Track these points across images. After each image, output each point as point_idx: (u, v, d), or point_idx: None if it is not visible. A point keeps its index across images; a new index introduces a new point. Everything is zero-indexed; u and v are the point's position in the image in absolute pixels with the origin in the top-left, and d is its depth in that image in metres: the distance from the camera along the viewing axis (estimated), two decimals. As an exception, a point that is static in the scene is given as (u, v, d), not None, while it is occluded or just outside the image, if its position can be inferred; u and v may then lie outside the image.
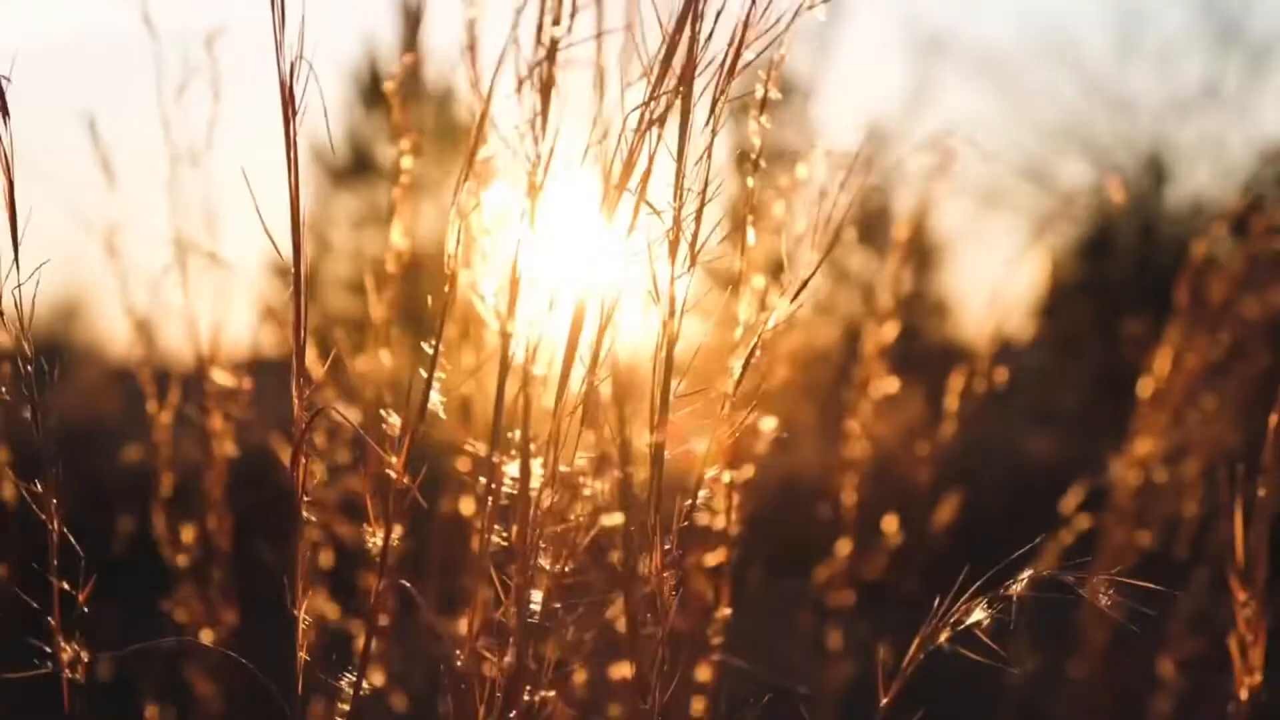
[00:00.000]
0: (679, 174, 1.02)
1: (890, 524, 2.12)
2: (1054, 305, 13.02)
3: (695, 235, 1.03)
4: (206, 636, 1.85)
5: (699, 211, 1.03)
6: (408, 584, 1.14)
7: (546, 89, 1.07)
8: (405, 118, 1.62)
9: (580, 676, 1.48)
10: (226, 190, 1.82)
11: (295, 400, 1.04)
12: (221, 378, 1.82)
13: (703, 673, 1.51)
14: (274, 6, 1.01)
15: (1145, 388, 2.33)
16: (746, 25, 1.01)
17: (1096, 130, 13.77)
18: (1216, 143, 13.30)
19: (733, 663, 1.45)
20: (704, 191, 1.03)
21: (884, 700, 1.01)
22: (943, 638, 0.97)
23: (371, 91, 14.62)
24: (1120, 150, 13.65)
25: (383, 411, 1.06)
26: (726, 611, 1.42)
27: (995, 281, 2.37)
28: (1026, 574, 0.94)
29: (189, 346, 1.85)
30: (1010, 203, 14.10)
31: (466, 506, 1.75)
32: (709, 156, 1.03)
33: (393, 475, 1.04)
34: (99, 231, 1.87)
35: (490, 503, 1.05)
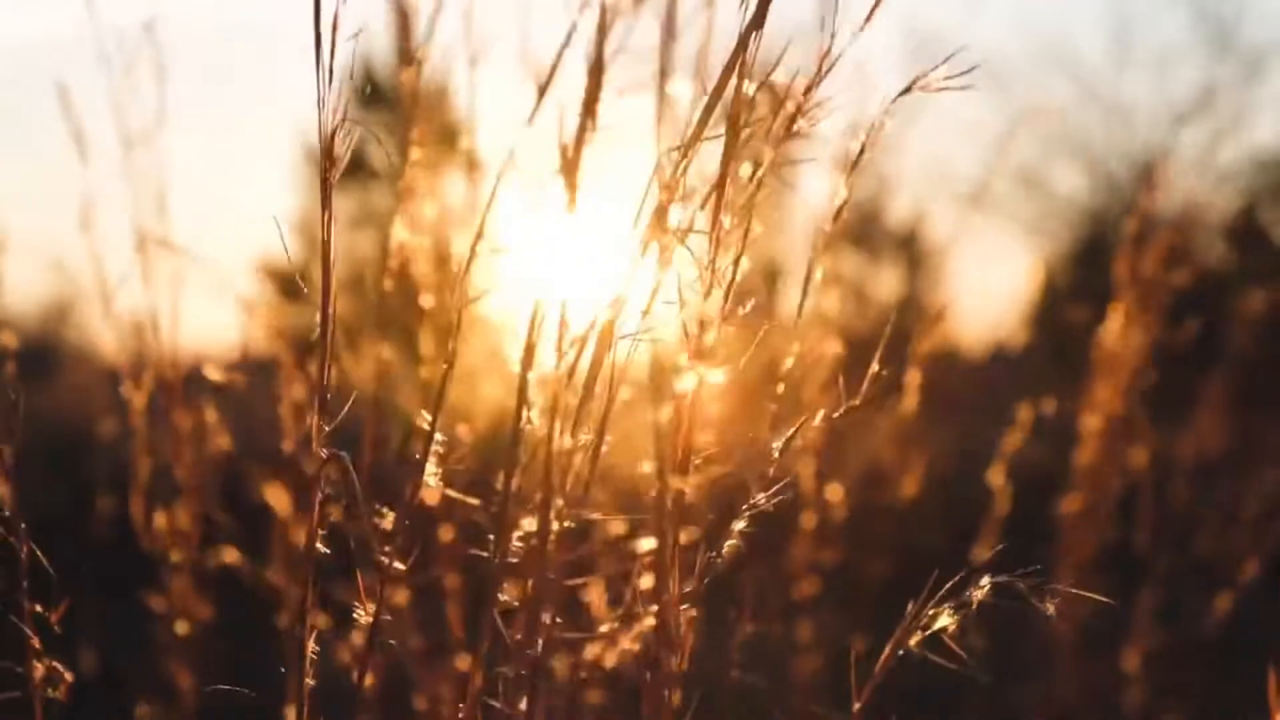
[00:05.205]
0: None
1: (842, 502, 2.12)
2: (1047, 311, 13.01)
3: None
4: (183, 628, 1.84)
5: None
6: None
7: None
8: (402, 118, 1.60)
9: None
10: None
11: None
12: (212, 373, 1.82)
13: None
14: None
15: (1095, 365, 2.34)
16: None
17: (1091, 137, 13.78)
18: (1211, 150, 13.31)
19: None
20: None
21: (857, 704, 1.02)
22: (913, 641, 0.98)
23: (368, 90, 14.55)
24: (1115, 157, 13.66)
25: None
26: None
27: (990, 288, 2.40)
28: (986, 581, 0.95)
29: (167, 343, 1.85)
30: (1004, 208, 14.09)
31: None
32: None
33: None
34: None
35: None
